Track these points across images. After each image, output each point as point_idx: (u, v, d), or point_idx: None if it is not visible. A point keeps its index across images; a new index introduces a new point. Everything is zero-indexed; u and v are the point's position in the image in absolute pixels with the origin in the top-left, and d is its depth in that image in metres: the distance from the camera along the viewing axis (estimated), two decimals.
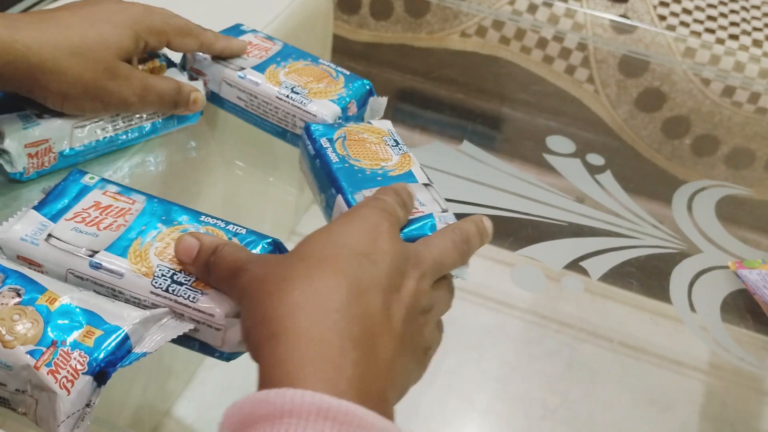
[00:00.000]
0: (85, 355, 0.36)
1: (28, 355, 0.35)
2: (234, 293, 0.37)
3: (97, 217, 0.43)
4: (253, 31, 0.61)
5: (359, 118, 0.58)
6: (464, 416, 0.58)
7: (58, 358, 0.35)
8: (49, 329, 0.36)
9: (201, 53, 0.57)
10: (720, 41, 0.97)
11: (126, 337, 0.37)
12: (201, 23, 0.57)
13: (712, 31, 0.97)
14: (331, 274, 0.31)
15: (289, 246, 0.57)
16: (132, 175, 0.54)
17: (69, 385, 0.35)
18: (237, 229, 0.44)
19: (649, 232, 0.76)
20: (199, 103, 0.55)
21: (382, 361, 0.31)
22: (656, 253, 0.73)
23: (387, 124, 0.55)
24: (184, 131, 0.59)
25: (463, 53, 1.01)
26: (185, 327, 0.39)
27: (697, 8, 0.99)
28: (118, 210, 0.44)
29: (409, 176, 0.50)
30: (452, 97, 0.96)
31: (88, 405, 0.36)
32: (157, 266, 0.41)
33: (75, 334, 0.37)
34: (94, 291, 0.41)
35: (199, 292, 0.40)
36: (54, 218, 0.43)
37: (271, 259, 0.35)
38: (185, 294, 0.40)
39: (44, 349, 0.36)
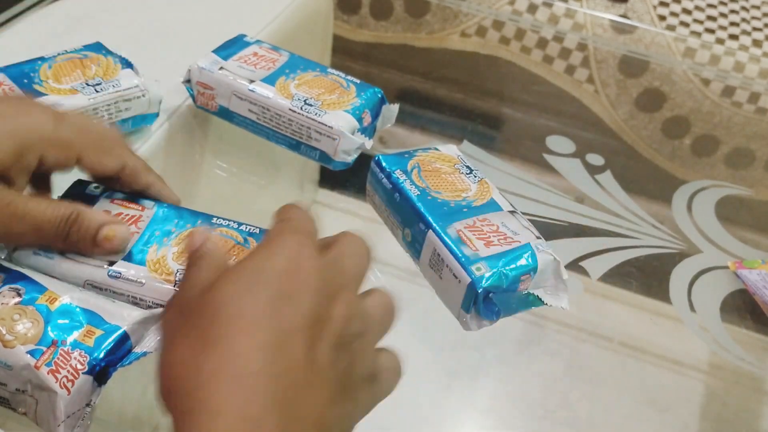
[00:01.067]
0: (86, 354, 0.36)
1: (29, 355, 0.35)
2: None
3: None
4: (258, 41, 0.61)
5: (373, 127, 0.58)
6: (464, 416, 0.58)
7: (58, 358, 0.35)
8: (49, 329, 0.36)
9: (203, 64, 0.56)
10: (720, 41, 0.97)
11: (126, 337, 0.37)
12: (201, 25, 0.57)
13: (712, 31, 0.97)
14: (248, 333, 0.28)
15: None
16: None
17: (69, 384, 0.35)
18: (251, 228, 0.44)
19: (649, 232, 0.76)
20: (116, 242, 0.41)
21: (308, 417, 0.28)
22: (656, 253, 0.73)
23: (453, 150, 0.55)
24: (181, 132, 0.59)
25: (463, 53, 1.01)
26: None
27: (697, 8, 0.99)
28: (128, 218, 0.44)
29: (492, 205, 0.50)
30: (452, 97, 0.96)
31: (88, 405, 0.36)
32: (177, 271, 0.41)
33: (75, 334, 0.37)
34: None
35: None
36: None
37: (185, 303, 0.31)
38: None
39: (44, 348, 0.36)
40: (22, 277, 0.39)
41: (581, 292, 0.69)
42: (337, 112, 0.55)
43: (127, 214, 0.44)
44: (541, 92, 0.97)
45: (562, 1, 0.99)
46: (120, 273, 0.41)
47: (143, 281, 0.41)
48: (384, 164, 0.52)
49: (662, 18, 0.98)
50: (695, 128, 0.94)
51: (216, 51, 0.58)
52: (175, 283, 0.40)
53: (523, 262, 0.46)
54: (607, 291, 0.70)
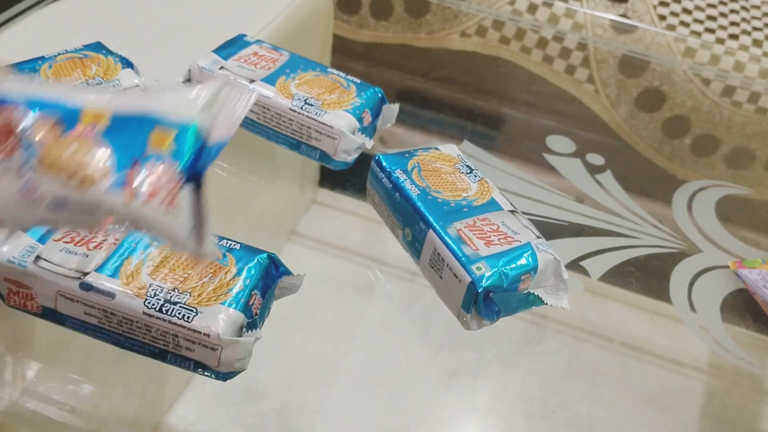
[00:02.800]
0: (174, 161, 0.30)
1: (114, 189, 0.29)
2: None
3: (86, 236, 0.42)
4: (258, 41, 0.61)
5: (373, 127, 0.58)
6: (464, 416, 0.58)
7: (147, 178, 0.29)
8: (115, 151, 0.29)
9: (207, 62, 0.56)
10: (720, 41, 0.97)
11: (196, 129, 0.31)
12: (201, 25, 0.57)
13: (712, 31, 0.97)
14: None
15: (290, 246, 0.57)
16: None
17: (171, 208, 0.29)
18: (231, 244, 0.43)
19: (649, 232, 0.76)
20: None
21: None
22: (656, 253, 0.73)
23: (454, 149, 0.55)
24: None
25: (463, 53, 1.01)
26: (247, 96, 0.33)
27: (697, 8, 0.99)
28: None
29: (492, 204, 0.50)
30: (452, 97, 0.96)
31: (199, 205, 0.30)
32: (150, 286, 0.40)
33: (147, 145, 0.30)
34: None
35: (194, 311, 0.39)
36: (42, 239, 0.42)
37: None
38: (179, 314, 0.39)
39: (127, 172, 0.29)
40: (48, 105, 0.31)
41: (581, 291, 0.69)
42: (338, 112, 0.55)
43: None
44: (541, 92, 0.97)
45: (562, 1, 0.99)
46: (91, 285, 0.40)
47: (114, 293, 0.40)
48: (384, 164, 0.52)
49: (662, 18, 0.98)
50: (695, 128, 0.94)
51: (216, 51, 0.58)
52: (146, 299, 0.39)
53: (523, 261, 0.46)
54: (607, 291, 0.70)
